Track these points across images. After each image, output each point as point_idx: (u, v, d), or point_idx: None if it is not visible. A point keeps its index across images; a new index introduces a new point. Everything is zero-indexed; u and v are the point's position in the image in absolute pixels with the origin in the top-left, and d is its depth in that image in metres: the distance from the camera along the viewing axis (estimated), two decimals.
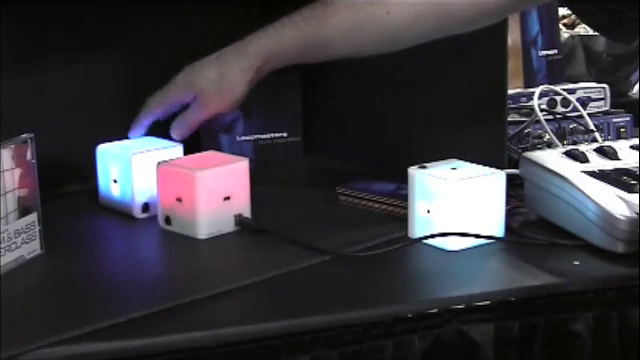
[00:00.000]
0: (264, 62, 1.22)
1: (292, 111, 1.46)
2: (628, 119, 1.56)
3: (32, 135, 1.08)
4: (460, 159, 1.18)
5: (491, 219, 1.14)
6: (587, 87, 1.57)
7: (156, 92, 1.26)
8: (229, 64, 1.22)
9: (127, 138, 1.28)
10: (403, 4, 1.17)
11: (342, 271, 1.08)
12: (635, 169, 1.17)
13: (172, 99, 1.26)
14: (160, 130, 1.29)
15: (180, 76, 1.25)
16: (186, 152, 1.27)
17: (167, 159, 1.21)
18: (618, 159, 1.20)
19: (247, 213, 1.20)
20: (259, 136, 1.44)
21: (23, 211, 1.07)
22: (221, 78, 1.22)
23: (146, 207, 1.25)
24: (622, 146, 1.24)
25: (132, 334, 0.92)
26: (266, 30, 1.21)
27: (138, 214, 1.24)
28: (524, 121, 1.46)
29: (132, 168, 1.23)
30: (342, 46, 1.21)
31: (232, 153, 1.32)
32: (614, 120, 1.55)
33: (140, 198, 1.24)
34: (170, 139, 1.27)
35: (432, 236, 1.13)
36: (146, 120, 1.27)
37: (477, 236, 1.12)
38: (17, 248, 1.07)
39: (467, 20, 1.17)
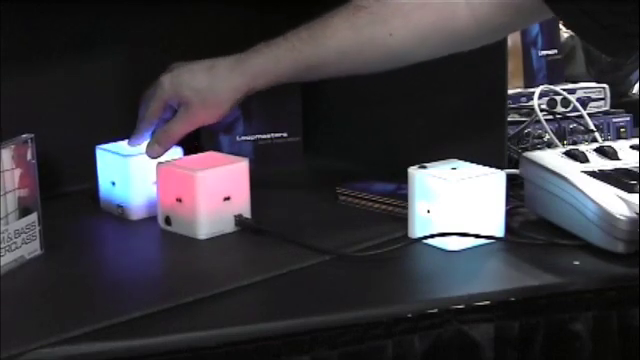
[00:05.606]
0: (257, 82, 1.18)
1: (292, 111, 1.46)
2: (628, 119, 1.56)
3: (32, 135, 1.08)
4: (460, 159, 1.18)
5: (491, 219, 1.14)
6: (587, 87, 1.57)
7: (145, 96, 1.22)
8: (220, 80, 1.18)
9: (127, 138, 1.28)
10: (407, 25, 1.12)
11: (342, 271, 1.08)
12: (635, 169, 1.17)
13: (163, 103, 1.21)
14: None
15: (167, 78, 1.20)
16: (186, 152, 1.27)
17: (166, 160, 1.21)
18: (618, 159, 1.20)
19: (247, 213, 1.20)
20: (259, 136, 1.45)
21: (23, 211, 1.07)
22: (209, 92, 1.18)
23: (145, 210, 1.24)
24: (622, 146, 1.24)
25: (132, 334, 0.92)
26: (261, 50, 1.17)
27: (137, 216, 1.24)
28: (524, 121, 1.46)
29: (131, 170, 1.23)
30: (340, 67, 1.17)
31: (232, 153, 1.31)
32: (614, 120, 1.55)
33: (139, 200, 1.24)
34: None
35: (432, 236, 1.13)
36: (147, 131, 1.23)
37: (477, 236, 1.12)
38: (17, 248, 1.07)
39: (472, 39, 1.14)
